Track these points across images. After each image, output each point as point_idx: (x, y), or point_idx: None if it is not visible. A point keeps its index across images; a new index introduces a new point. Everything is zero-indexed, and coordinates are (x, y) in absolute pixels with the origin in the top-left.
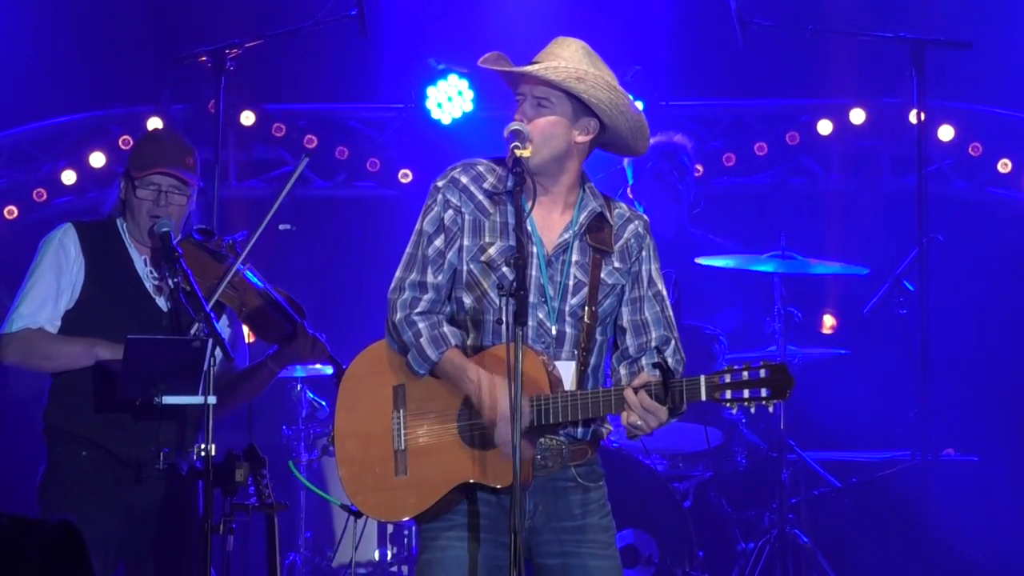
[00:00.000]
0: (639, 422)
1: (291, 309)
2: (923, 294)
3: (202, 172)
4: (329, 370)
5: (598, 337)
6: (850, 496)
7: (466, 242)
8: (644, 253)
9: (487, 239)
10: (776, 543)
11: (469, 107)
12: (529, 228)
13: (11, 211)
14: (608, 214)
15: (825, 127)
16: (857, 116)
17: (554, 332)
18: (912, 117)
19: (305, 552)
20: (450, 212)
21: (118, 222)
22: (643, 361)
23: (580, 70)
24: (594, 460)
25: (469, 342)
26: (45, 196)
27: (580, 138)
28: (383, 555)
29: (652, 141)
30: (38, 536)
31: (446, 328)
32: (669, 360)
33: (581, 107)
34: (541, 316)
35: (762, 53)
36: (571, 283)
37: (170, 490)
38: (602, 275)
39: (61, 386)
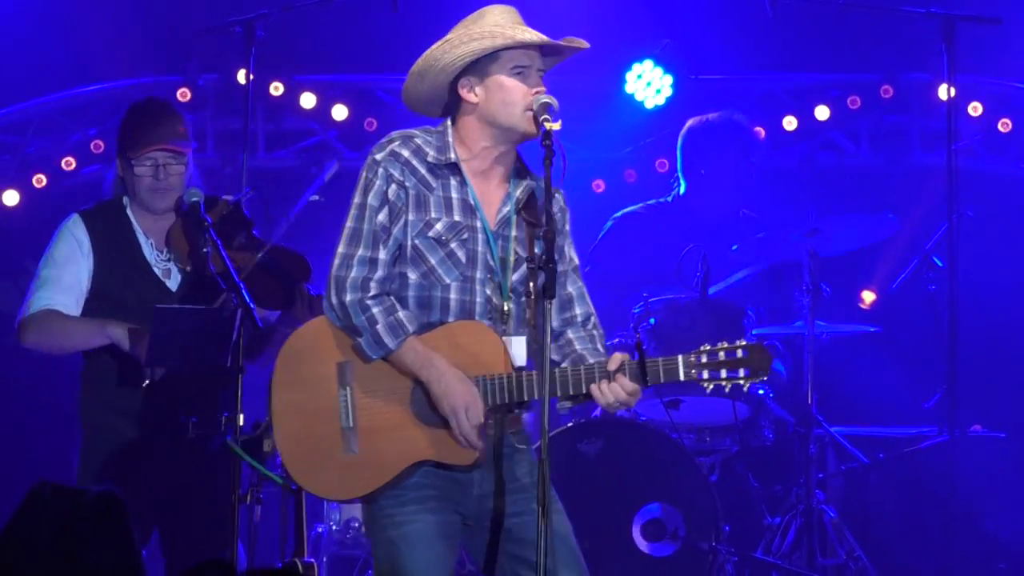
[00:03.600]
0: (614, 401)
1: (290, 269)
2: (952, 270)
3: (231, 142)
4: None
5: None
6: (877, 471)
7: (411, 217)
8: (567, 227)
9: (432, 214)
10: (803, 518)
11: None
12: (472, 202)
13: (40, 179)
14: (534, 187)
15: (854, 102)
16: (887, 91)
17: (504, 308)
18: (942, 92)
19: (332, 523)
20: (393, 187)
21: (124, 202)
22: (570, 334)
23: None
24: (524, 423)
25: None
26: (73, 165)
27: None
28: None
29: (714, 117)
30: (82, 505)
31: (402, 314)
32: (595, 333)
33: None
34: (489, 292)
35: (791, 27)
36: (512, 259)
37: (199, 460)
38: (536, 250)
39: (92, 369)
